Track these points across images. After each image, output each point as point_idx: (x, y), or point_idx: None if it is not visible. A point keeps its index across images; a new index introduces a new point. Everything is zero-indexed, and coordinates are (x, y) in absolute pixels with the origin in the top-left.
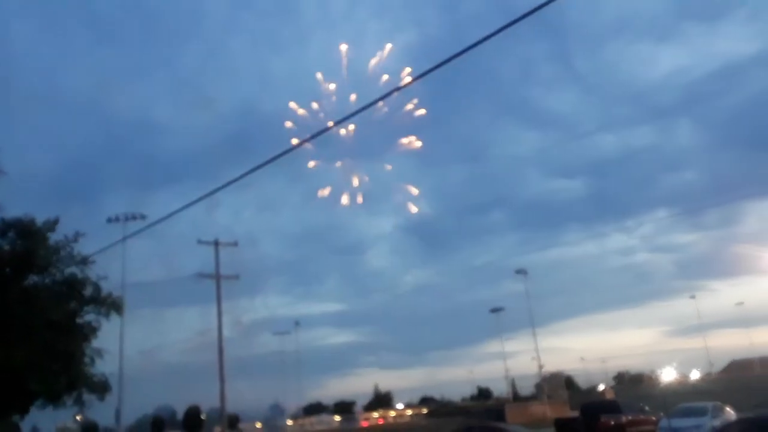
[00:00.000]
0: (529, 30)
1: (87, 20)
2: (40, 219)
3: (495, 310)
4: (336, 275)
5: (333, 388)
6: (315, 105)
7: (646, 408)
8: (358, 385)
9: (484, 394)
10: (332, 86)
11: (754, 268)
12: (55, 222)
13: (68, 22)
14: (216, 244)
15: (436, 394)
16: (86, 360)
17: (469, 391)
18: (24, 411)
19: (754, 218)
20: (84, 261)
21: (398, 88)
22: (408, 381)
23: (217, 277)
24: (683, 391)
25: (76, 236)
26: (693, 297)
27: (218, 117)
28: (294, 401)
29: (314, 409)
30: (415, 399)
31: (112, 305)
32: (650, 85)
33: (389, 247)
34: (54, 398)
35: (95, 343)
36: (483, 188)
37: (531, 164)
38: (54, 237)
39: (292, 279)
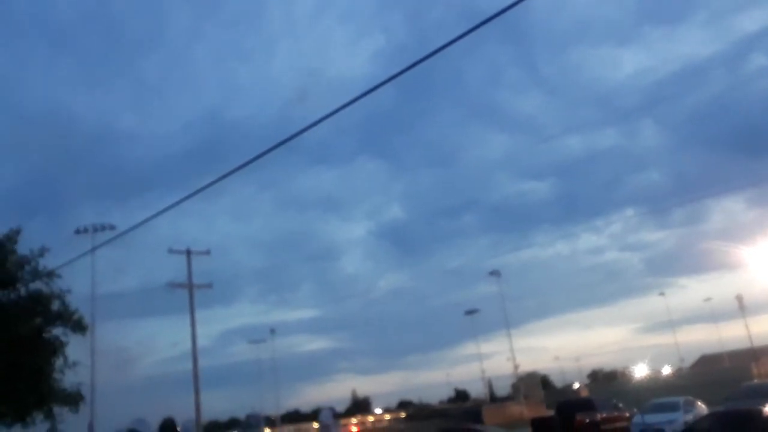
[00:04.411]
0: (495, 34)
1: (46, 29)
2: (1, 232)
3: (470, 312)
4: (310, 282)
5: (310, 396)
6: None
7: (620, 405)
8: (336, 391)
9: (461, 396)
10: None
11: (721, 263)
12: (17, 232)
13: (27, 32)
14: (188, 252)
15: (414, 398)
16: (55, 375)
17: (447, 393)
18: None
19: (719, 215)
20: (50, 275)
21: (366, 93)
22: (385, 386)
23: (190, 287)
24: (655, 387)
25: (42, 251)
26: (662, 294)
27: (185, 125)
28: (271, 410)
29: (292, 417)
30: (393, 403)
31: (77, 324)
32: (614, 87)
33: (363, 252)
34: (22, 416)
35: (66, 355)
36: (454, 191)
37: (500, 167)
38: (18, 251)
39: (265, 286)
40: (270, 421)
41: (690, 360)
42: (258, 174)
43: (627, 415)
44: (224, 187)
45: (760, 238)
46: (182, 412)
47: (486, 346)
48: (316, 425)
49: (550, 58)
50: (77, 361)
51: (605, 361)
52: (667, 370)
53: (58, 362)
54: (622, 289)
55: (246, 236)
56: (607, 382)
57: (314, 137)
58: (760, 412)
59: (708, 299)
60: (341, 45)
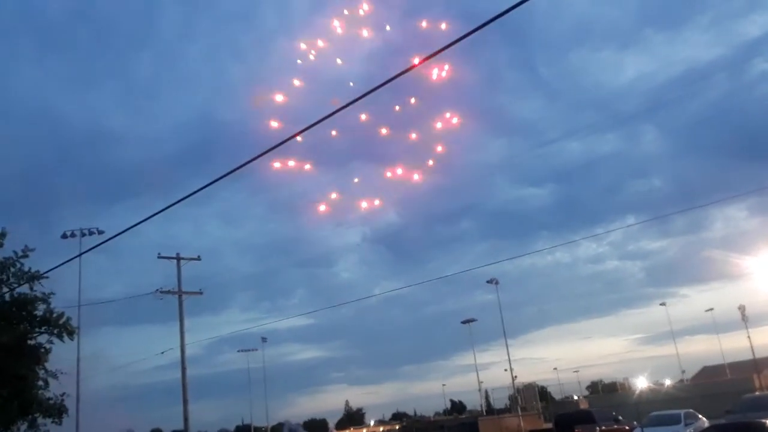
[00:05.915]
0: (494, 37)
1: (34, 27)
2: None
3: (466, 322)
4: (303, 289)
5: (302, 406)
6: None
7: (620, 417)
8: (329, 402)
9: (457, 407)
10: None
11: (723, 273)
12: (2, 235)
13: (14, 29)
14: (178, 258)
15: (409, 409)
16: (39, 383)
17: (442, 404)
18: None
19: (721, 223)
20: (34, 278)
21: (362, 96)
22: (379, 397)
23: (180, 293)
24: (656, 399)
25: (26, 251)
26: (663, 304)
27: (176, 126)
28: (262, 420)
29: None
30: (388, 415)
31: (64, 328)
32: (615, 92)
33: (357, 259)
34: (5, 425)
35: (49, 365)
36: (451, 197)
37: (499, 172)
38: (1, 254)
39: (257, 294)
40: None
41: (691, 372)
42: (251, 178)
43: (627, 428)
44: (215, 191)
45: (763, 247)
46: (170, 422)
47: (483, 357)
48: None
49: (550, 61)
50: (60, 370)
51: (605, 373)
52: (668, 382)
53: (42, 372)
54: (622, 298)
55: (237, 241)
56: (607, 393)
57: (312, 139)
58: (763, 425)
59: (710, 309)
60: (336, 44)
